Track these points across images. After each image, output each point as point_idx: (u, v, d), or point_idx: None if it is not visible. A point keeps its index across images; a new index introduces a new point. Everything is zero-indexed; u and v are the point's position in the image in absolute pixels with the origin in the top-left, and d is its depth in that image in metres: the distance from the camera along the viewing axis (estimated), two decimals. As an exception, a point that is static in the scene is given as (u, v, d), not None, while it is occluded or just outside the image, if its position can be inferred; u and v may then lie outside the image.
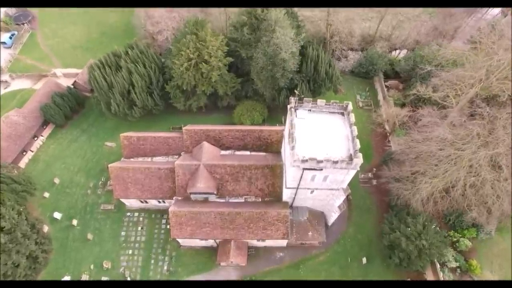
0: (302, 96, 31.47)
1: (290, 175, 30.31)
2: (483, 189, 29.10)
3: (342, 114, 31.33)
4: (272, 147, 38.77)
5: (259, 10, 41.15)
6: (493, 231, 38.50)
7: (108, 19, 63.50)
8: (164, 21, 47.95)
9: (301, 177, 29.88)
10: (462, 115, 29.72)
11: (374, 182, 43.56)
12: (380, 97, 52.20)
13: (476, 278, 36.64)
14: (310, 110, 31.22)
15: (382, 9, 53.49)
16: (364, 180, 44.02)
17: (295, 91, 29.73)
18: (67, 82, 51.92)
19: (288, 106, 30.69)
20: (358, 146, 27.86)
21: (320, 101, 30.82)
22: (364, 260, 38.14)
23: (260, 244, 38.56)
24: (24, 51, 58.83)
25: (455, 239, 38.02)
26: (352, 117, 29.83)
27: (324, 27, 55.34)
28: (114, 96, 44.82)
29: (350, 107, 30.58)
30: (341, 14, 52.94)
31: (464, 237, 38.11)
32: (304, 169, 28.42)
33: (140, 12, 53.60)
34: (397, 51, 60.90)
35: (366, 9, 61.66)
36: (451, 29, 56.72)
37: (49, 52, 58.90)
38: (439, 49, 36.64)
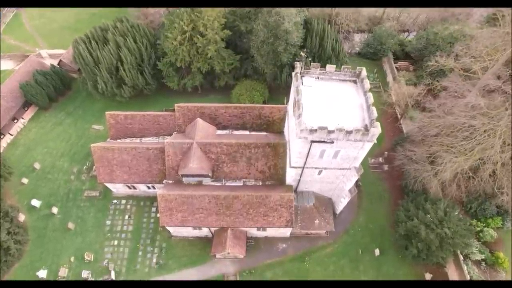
0: (309, 59, 27.56)
1: (296, 151, 26.37)
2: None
3: (355, 82, 27.47)
4: (274, 126, 34.84)
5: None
6: (520, 220, 34.64)
7: (99, -1, 59.62)
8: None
9: (308, 152, 25.93)
10: (497, 79, 25.80)
11: (386, 167, 39.65)
12: (389, 78, 48.43)
13: (503, 273, 32.66)
14: (318, 77, 27.36)
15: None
16: (374, 166, 40.11)
17: (301, 53, 25.78)
18: (53, 63, 48.03)
19: (293, 73, 26.80)
20: (375, 114, 24.04)
21: (330, 67, 26.96)
22: (377, 251, 34.10)
23: (261, 233, 34.57)
24: (7, 31, 55.12)
25: (478, 229, 33.99)
26: (367, 84, 25.98)
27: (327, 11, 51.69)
28: (100, 72, 40.96)
29: (364, 73, 26.73)
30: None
31: (488, 227, 34.15)
32: (312, 141, 24.50)
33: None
34: (406, 34, 57.36)
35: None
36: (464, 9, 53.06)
37: (35, 32, 55.21)
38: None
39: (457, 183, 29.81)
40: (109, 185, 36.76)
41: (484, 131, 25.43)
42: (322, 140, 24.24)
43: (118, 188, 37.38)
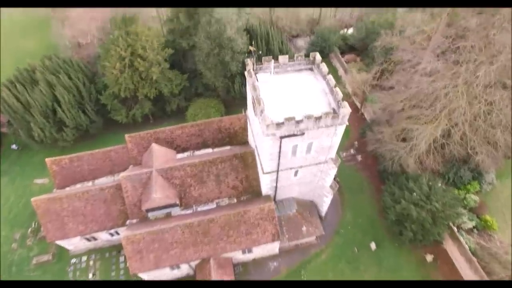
0: (260, 53, 25.94)
1: (266, 153, 23.99)
2: (488, 120, 24.96)
3: (311, 69, 26.26)
4: (237, 137, 32.42)
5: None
6: (494, 179, 34.88)
7: (24, 46, 55.03)
8: (85, 21, 41.08)
9: (279, 151, 23.69)
10: (447, 37, 25.88)
11: (359, 157, 38.62)
12: (341, 72, 48.96)
13: (496, 236, 32.01)
14: (272, 72, 25.70)
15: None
16: (347, 159, 38.91)
17: (250, 47, 24.11)
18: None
19: (246, 71, 24.91)
20: (341, 95, 22.64)
21: (282, 58, 25.51)
22: (373, 245, 31.99)
23: (247, 257, 31.01)
24: None
25: (461, 197, 33.51)
26: (324, 67, 24.96)
27: (267, 17, 52.08)
28: (34, 118, 36.23)
29: (319, 57, 25.69)
30: None
31: (469, 193, 33.87)
32: (281, 137, 22.35)
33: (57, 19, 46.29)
34: (345, 29, 59.35)
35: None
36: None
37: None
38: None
39: (433, 153, 29.15)
40: (62, 243, 31.29)
41: (446, 94, 25.16)
42: (292, 133, 22.20)
43: (75, 244, 32.02)
